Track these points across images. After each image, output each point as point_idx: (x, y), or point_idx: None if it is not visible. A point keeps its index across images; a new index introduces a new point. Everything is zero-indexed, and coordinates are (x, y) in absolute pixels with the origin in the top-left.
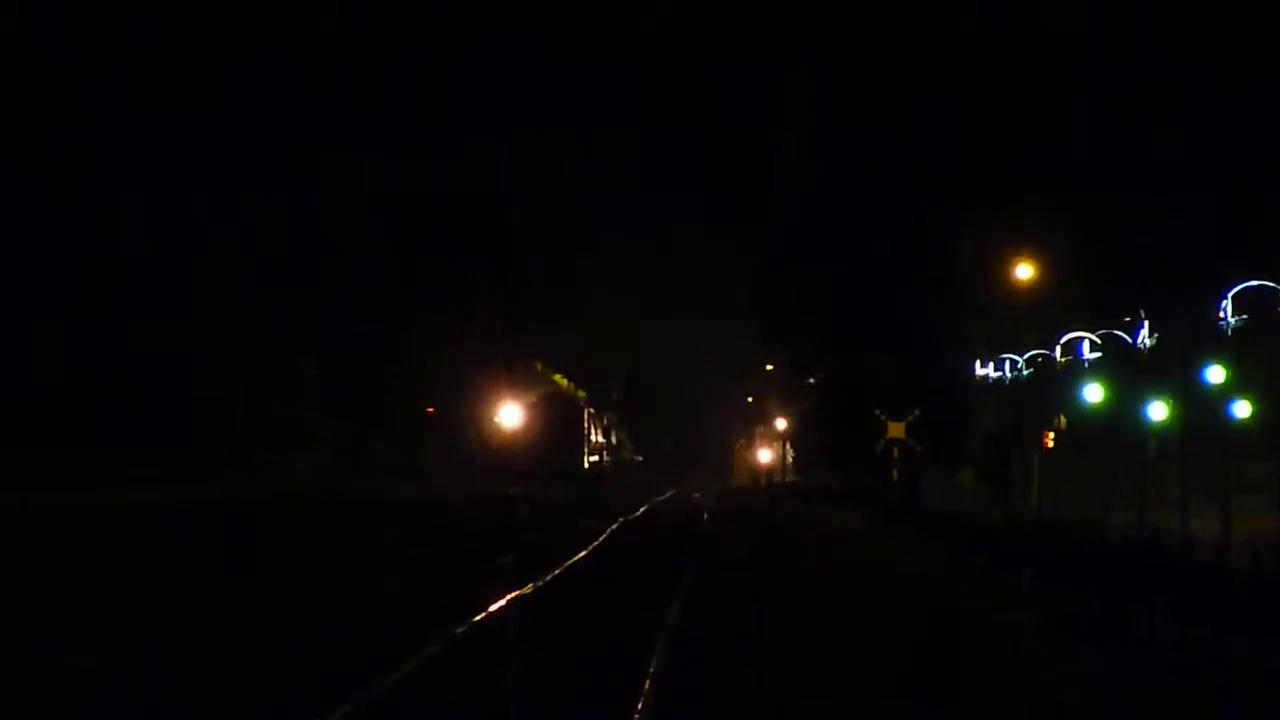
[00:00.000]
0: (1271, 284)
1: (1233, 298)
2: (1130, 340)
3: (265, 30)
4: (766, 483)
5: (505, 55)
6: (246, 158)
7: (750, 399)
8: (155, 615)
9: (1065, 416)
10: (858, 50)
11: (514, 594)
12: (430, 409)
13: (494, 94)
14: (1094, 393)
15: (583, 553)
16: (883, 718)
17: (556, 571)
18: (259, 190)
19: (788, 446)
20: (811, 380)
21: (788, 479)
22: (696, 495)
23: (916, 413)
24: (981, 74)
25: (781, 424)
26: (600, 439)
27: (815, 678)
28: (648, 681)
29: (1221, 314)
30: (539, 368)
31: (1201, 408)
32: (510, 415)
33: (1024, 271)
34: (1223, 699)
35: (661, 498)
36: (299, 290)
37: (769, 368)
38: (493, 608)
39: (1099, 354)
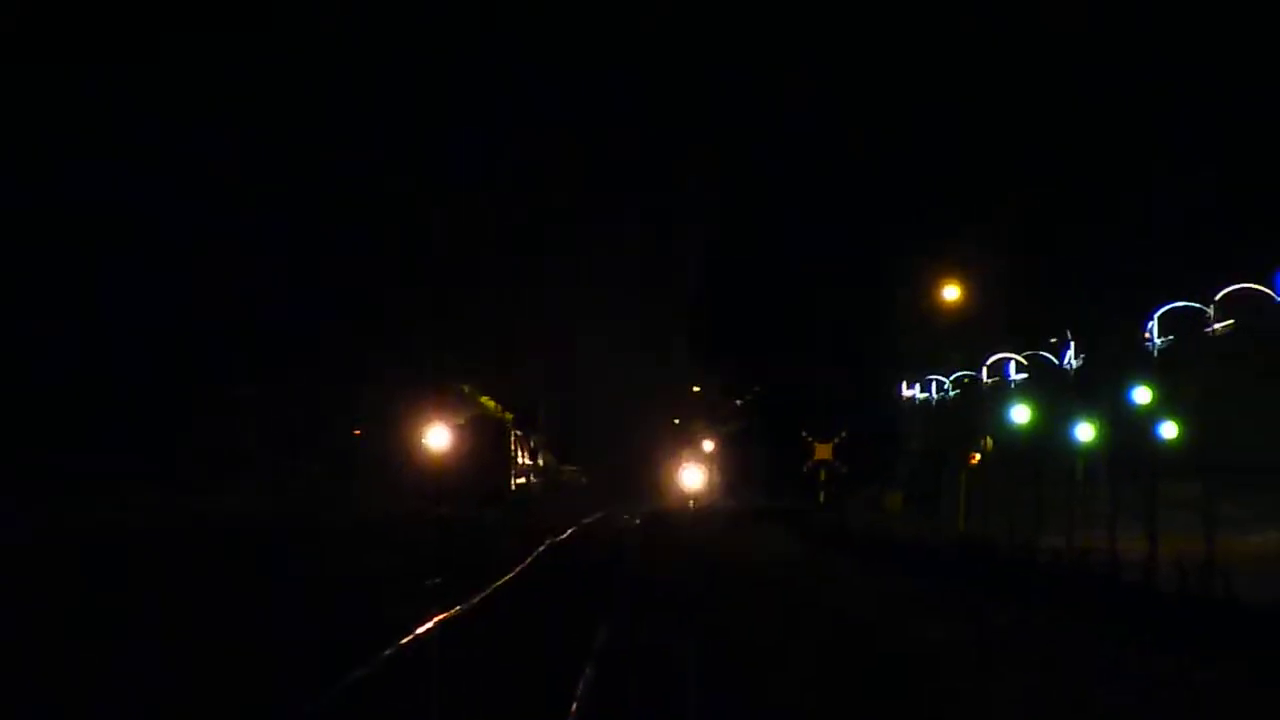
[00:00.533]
0: (1197, 305)
1: (1158, 319)
2: (1057, 361)
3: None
4: (695, 504)
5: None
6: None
7: (677, 421)
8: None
9: (992, 437)
10: (797, 66)
11: (441, 616)
12: (357, 430)
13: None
14: (1021, 413)
15: (511, 574)
16: None
17: (485, 593)
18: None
19: (716, 468)
20: (739, 402)
21: (716, 501)
22: (625, 517)
23: (844, 434)
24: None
25: (709, 446)
26: (528, 461)
27: (746, 691)
28: (574, 704)
29: (1148, 335)
30: (466, 390)
31: (1129, 428)
32: (438, 438)
33: (951, 293)
34: (1151, 715)
35: (589, 520)
36: (231, 310)
37: (696, 389)
38: (419, 630)
39: (1026, 375)
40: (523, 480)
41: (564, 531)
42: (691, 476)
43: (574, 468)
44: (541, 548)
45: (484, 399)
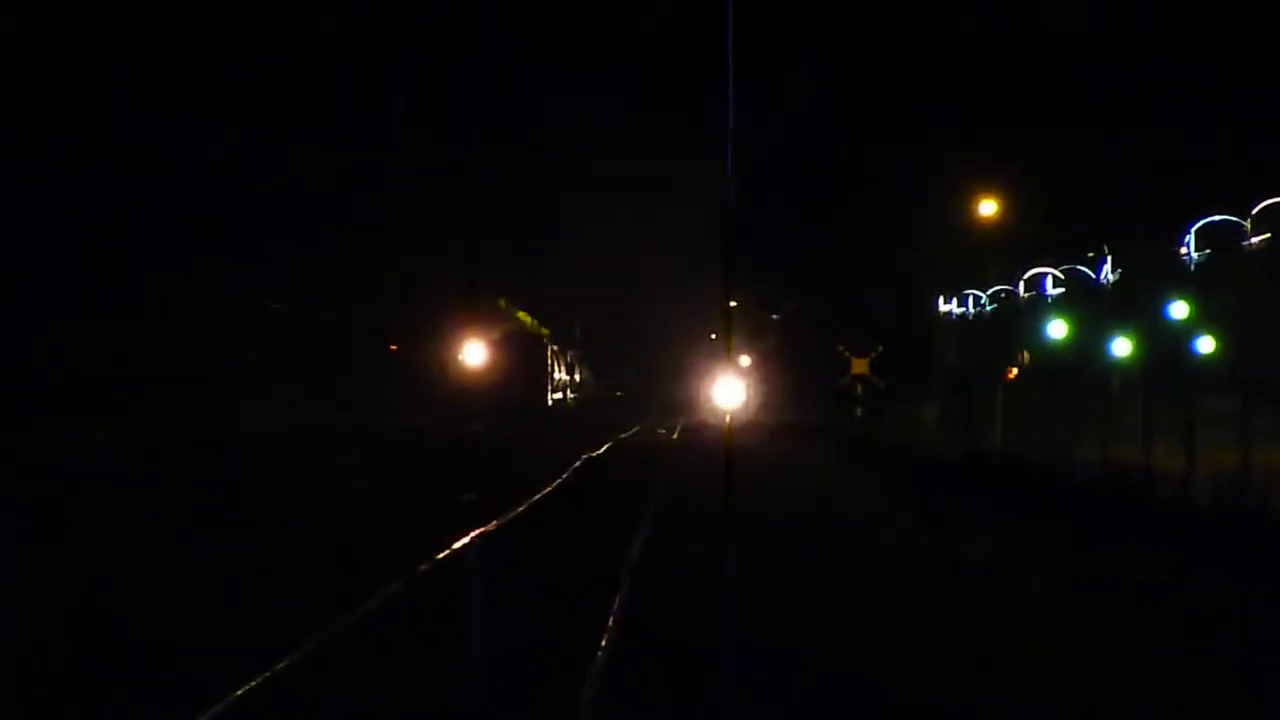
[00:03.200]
0: (1234, 218)
1: (1195, 233)
2: (1094, 276)
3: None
4: (730, 419)
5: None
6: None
7: (714, 336)
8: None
9: (1029, 352)
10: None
11: (478, 530)
12: (393, 346)
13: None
14: (1058, 328)
15: (548, 489)
16: (829, 619)
17: (521, 509)
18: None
19: (752, 383)
20: (775, 317)
21: (752, 415)
22: (661, 431)
23: (880, 349)
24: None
25: (745, 361)
26: (564, 376)
27: (777, 617)
28: (611, 620)
29: (1184, 249)
30: (502, 304)
31: (1165, 343)
32: (474, 353)
33: (988, 208)
34: (1185, 630)
35: (626, 434)
36: (266, 225)
37: (733, 304)
38: (456, 545)
39: (1062, 289)
40: (559, 395)
41: (600, 448)
42: (727, 391)
43: (607, 382)
44: (578, 463)
45: (520, 314)
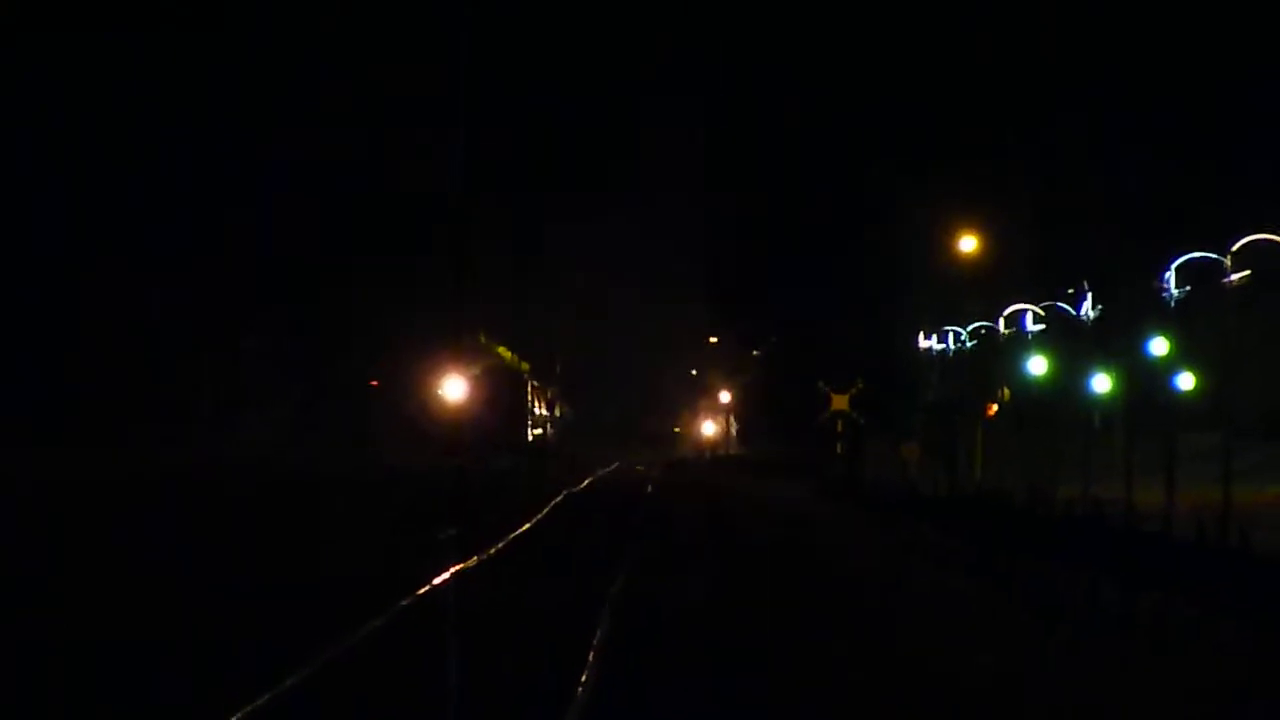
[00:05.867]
0: (1214, 255)
1: (1176, 269)
2: (1074, 312)
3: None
4: (711, 455)
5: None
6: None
7: (694, 372)
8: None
9: (1009, 389)
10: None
11: (458, 567)
12: (374, 381)
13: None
14: (1038, 365)
15: (527, 525)
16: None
17: (500, 545)
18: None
19: (732, 419)
20: (755, 353)
21: (732, 451)
22: (641, 468)
23: (860, 384)
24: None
25: (726, 397)
26: (544, 411)
27: (757, 654)
28: (591, 653)
29: (1165, 286)
30: (483, 339)
31: (1146, 380)
32: (454, 388)
33: (967, 244)
34: (1166, 666)
35: (606, 470)
36: (242, 261)
37: (713, 340)
38: (436, 581)
39: (1042, 326)
40: (539, 431)
41: (580, 483)
42: (708, 427)
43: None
44: (558, 499)
45: (500, 349)
